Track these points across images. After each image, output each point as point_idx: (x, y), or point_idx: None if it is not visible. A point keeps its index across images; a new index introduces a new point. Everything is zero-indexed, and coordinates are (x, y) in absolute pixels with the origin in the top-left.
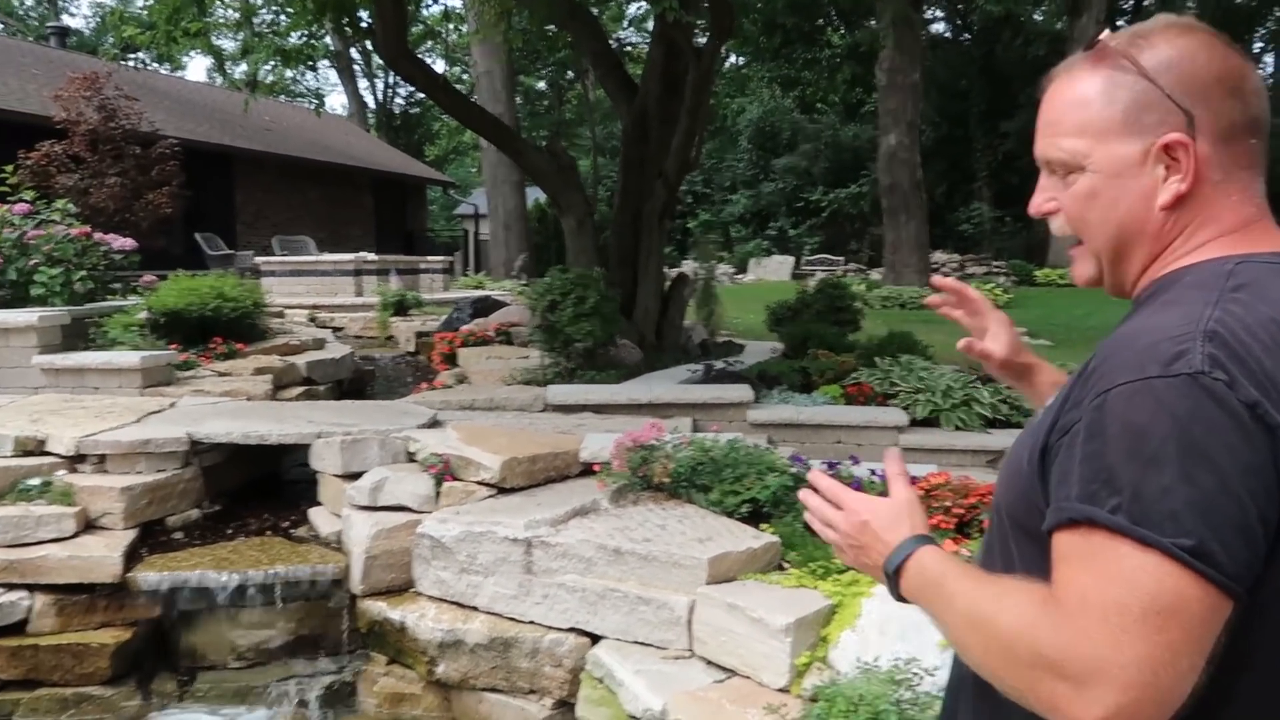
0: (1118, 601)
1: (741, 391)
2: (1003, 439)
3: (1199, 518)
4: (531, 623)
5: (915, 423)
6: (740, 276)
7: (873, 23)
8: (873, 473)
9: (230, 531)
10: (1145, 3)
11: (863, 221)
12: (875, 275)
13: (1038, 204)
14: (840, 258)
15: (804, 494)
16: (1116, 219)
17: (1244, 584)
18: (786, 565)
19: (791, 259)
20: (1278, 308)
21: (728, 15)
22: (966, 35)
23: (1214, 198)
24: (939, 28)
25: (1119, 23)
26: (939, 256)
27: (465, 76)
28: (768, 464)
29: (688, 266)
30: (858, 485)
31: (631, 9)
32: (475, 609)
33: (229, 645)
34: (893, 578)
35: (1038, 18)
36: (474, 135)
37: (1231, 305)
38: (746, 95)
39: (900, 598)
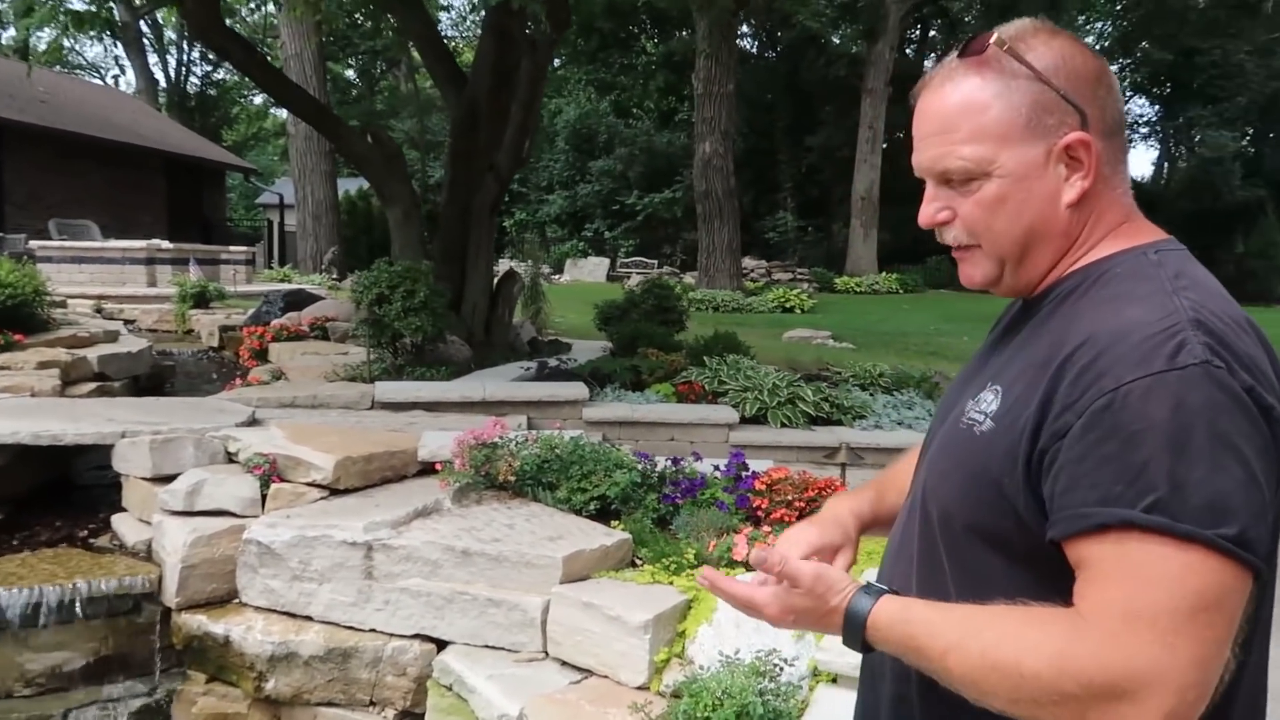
0: (1166, 606)
1: (576, 389)
2: (825, 436)
3: (1237, 506)
4: (373, 630)
5: (744, 420)
6: (557, 277)
7: (685, 33)
8: (716, 468)
9: (17, 543)
10: (930, 33)
11: (676, 226)
12: (689, 279)
13: (929, 215)
14: (654, 261)
15: (710, 583)
16: (1026, 221)
17: (1272, 566)
18: (639, 562)
19: (607, 261)
20: (1220, 294)
21: (564, 8)
22: (772, 52)
23: (1105, 192)
24: (746, 44)
25: (907, 50)
26: (748, 262)
27: (270, 59)
28: (615, 461)
29: (504, 265)
30: (701, 481)
31: None
32: (310, 619)
33: (18, 671)
34: (858, 629)
35: (836, 40)
36: (278, 120)
37: (1189, 293)
38: (564, 96)
39: (866, 647)
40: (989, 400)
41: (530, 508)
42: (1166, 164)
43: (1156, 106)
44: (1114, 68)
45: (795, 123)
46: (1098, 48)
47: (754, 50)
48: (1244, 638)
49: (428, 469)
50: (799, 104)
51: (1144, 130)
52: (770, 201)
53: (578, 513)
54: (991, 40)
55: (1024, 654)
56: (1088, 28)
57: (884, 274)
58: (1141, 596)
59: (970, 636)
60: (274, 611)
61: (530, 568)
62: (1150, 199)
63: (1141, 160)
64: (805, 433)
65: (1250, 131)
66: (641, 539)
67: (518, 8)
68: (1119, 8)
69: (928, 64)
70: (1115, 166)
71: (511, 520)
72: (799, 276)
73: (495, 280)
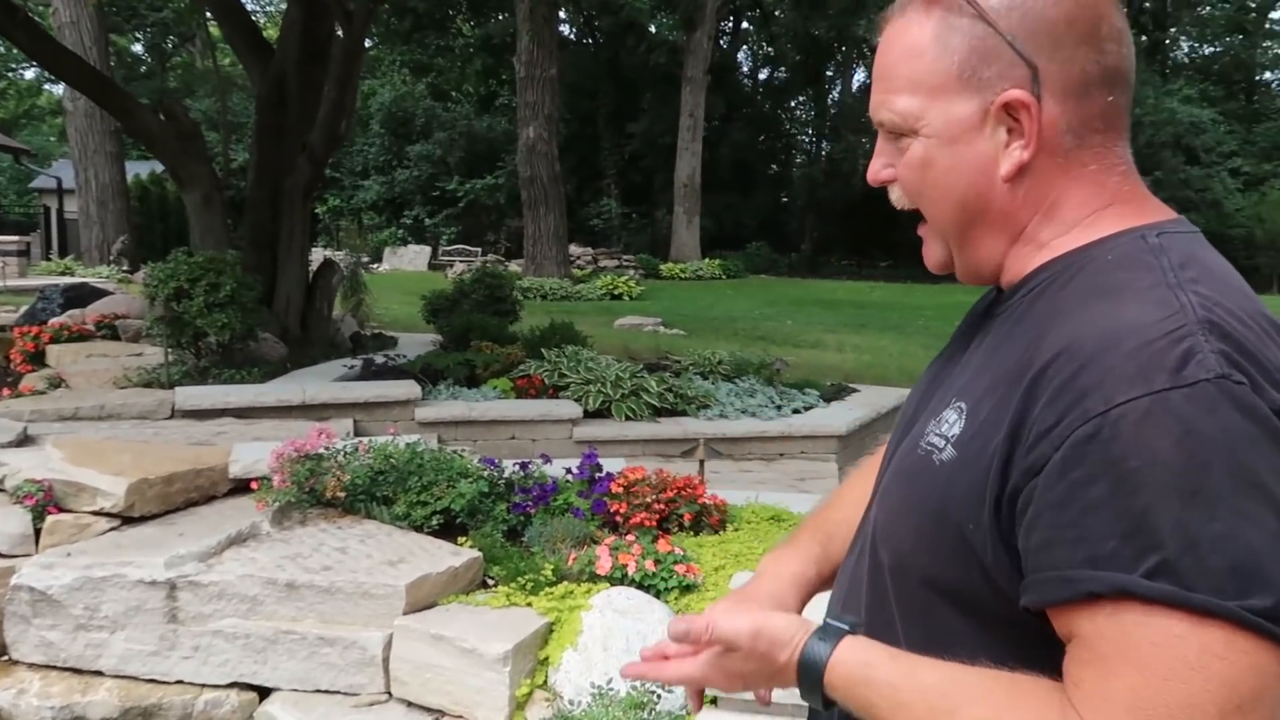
0: (1184, 702)
1: (408, 388)
2: (670, 427)
3: (1270, 568)
4: (180, 683)
5: (588, 414)
6: (376, 266)
7: (504, 16)
8: (568, 471)
9: None
10: (743, 24)
11: (500, 213)
12: (514, 267)
13: (875, 170)
14: (478, 249)
15: (637, 675)
16: (956, 192)
17: None
18: (491, 582)
19: (428, 249)
20: (1240, 287)
21: None
22: (591, 39)
23: (1067, 167)
24: (566, 30)
25: (721, 42)
26: (574, 249)
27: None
28: (459, 469)
29: (319, 254)
30: (554, 486)
31: None
32: (100, 674)
33: None
34: (816, 684)
35: (654, 29)
36: (53, 97)
37: (1199, 286)
38: (378, 78)
39: (827, 702)
40: (951, 420)
41: (364, 526)
42: None
43: None
44: None
45: (617, 109)
46: None
47: (574, 36)
48: None
49: (241, 487)
50: (621, 90)
51: None
52: (595, 188)
53: (419, 530)
54: None
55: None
56: None
57: (707, 260)
58: (1151, 690)
59: (943, 715)
60: (54, 668)
61: (368, 598)
62: None
63: None
64: (651, 425)
65: None
66: (493, 556)
67: None
68: None
69: (741, 54)
70: (1088, 135)
71: (344, 543)
72: (625, 263)
73: (312, 271)
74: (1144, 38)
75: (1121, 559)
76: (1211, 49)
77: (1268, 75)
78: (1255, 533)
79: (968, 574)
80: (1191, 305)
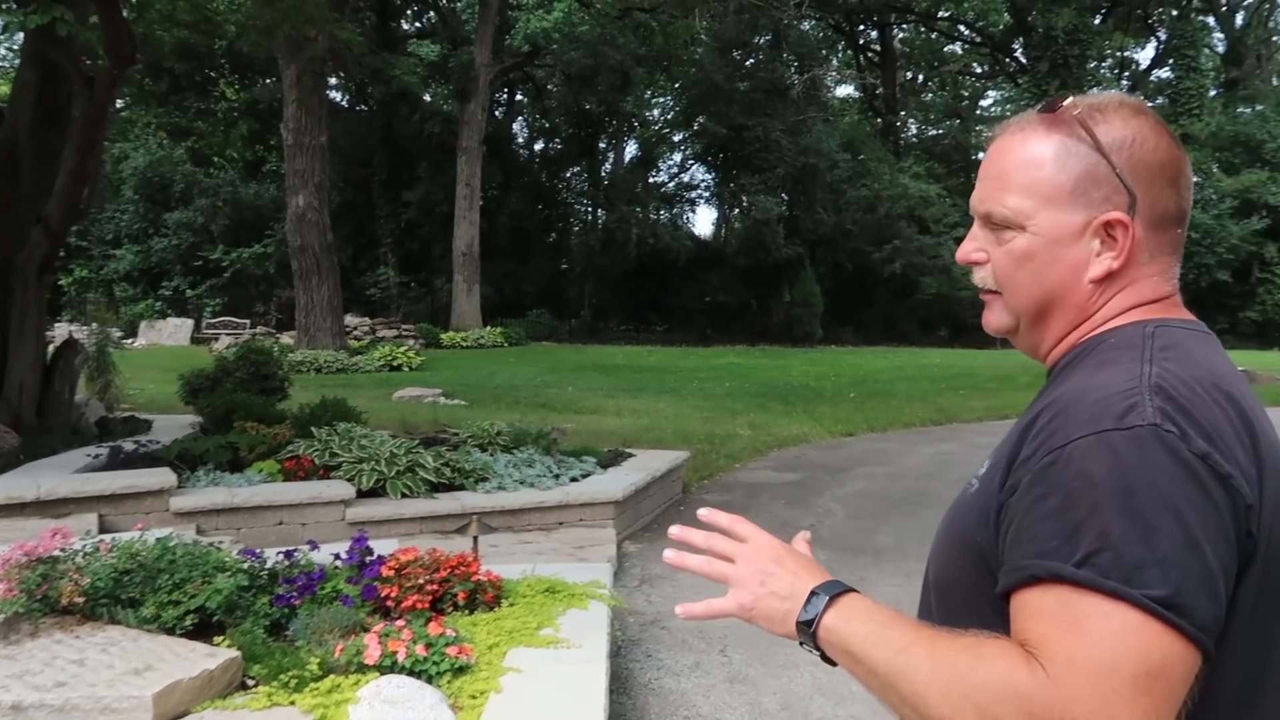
0: (1108, 664)
1: (161, 476)
2: (449, 503)
3: (1168, 570)
4: None
5: (361, 494)
6: (131, 341)
7: (270, 81)
8: (336, 556)
9: None
10: (518, 96)
11: (269, 283)
12: (286, 339)
13: (967, 252)
14: (246, 321)
15: (680, 533)
16: (1047, 283)
17: (1212, 637)
18: (252, 682)
19: (191, 322)
20: (1207, 367)
21: (128, 40)
22: (364, 106)
23: (1138, 277)
24: (337, 96)
25: (497, 113)
26: (351, 320)
27: None
28: (215, 563)
29: (63, 330)
30: (320, 574)
31: None
32: None
33: None
34: (814, 618)
35: (428, 98)
36: None
37: (1166, 363)
38: (130, 141)
39: (812, 640)
40: (985, 465)
41: (107, 633)
42: (724, 224)
43: (713, 173)
44: (676, 138)
45: (392, 177)
46: (663, 119)
47: (346, 103)
48: (1186, 714)
49: None
50: (395, 158)
51: (705, 194)
52: (371, 257)
53: (170, 632)
54: (1065, 103)
55: (977, 671)
56: (654, 102)
57: (489, 328)
58: (1087, 650)
59: (924, 643)
60: None
61: (109, 714)
62: (714, 255)
63: (704, 220)
64: (428, 501)
65: (786, 198)
66: (254, 654)
67: (66, 34)
68: (677, 86)
69: (516, 125)
70: (1156, 256)
71: (82, 654)
72: (405, 333)
73: (50, 351)
74: (879, 120)
75: (1061, 553)
76: (935, 131)
77: (980, 155)
78: (1163, 542)
79: (981, 579)
80: (1149, 374)
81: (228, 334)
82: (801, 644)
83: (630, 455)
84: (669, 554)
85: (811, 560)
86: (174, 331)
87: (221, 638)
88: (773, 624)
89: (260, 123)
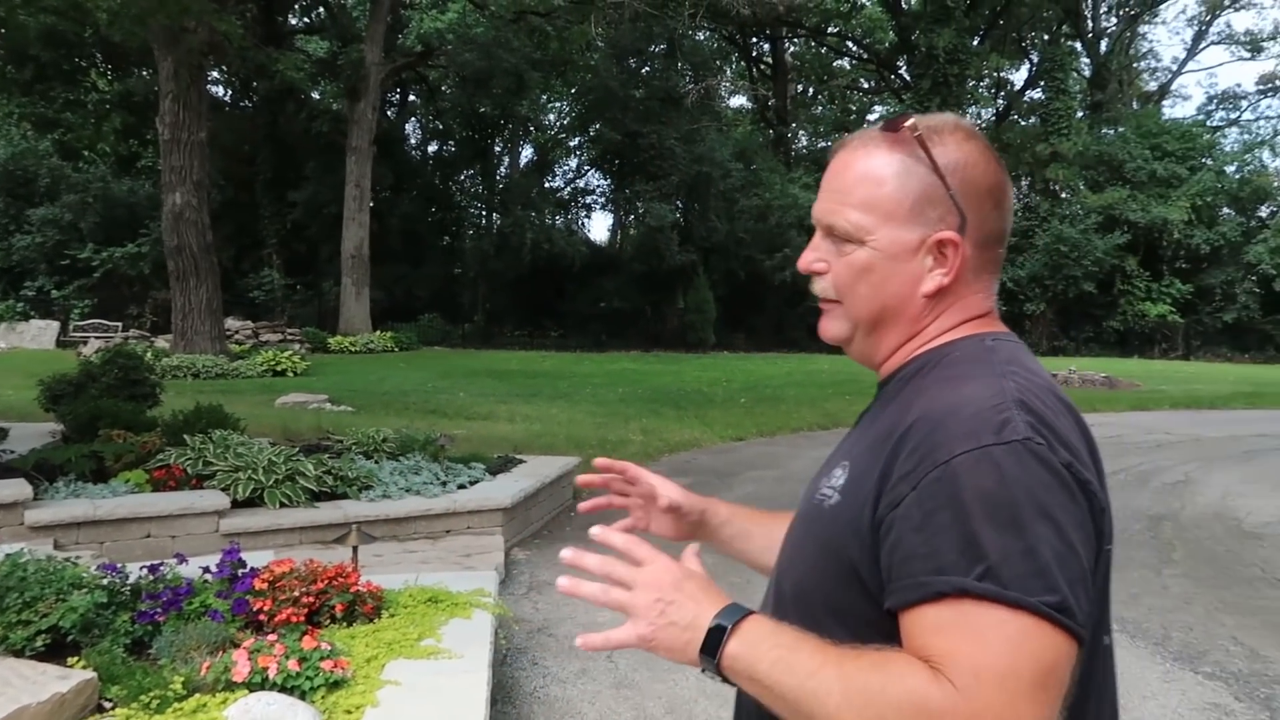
0: (1009, 669)
1: (15, 488)
2: (330, 512)
3: (1056, 575)
4: None
5: (237, 504)
6: None
7: (145, 72)
8: (206, 570)
9: None
10: (410, 97)
11: (144, 284)
12: (162, 343)
13: (809, 262)
14: (118, 323)
15: (573, 557)
16: (884, 296)
17: (1088, 631)
18: (110, 704)
19: (57, 324)
20: (1044, 378)
21: None
22: (248, 101)
23: (965, 294)
24: (219, 91)
25: (389, 112)
26: (232, 323)
27: None
28: (70, 579)
29: None
30: (188, 589)
31: None
32: None
33: None
34: (716, 641)
35: (317, 95)
36: None
37: (1016, 377)
38: None
39: (716, 669)
40: (838, 476)
41: None
42: (619, 230)
43: (609, 179)
44: (572, 143)
45: (277, 176)
46: (559, 124)
47: (227, 98)
48: (1071, 702)
49: None
50: (281, 157)
51: (601, 200)
52: (254, 258)
53: (19, 654)
54: (907, 124)
55: (888, 690)
56: (550, 107)
57: (379, 332)
58: (990, 659)
59: (831, 664)
60: None
61: None
62: (609, 261)
63: (599, 226)
64: (309, 511)
65: (680, 205)
66: (112, 674)
67: None
68: (573, 91)
69: (409, 126)
70: (979, 274)
71: None
72: (290, 337)
73: None
74: (771, 131)
75: (960, 567)
76: (825, 143)
77: None
78: (1047, 550)
79: (848, 591)
80: (1010, 390)
81: (97, 337)
82: (703, 670)
83: (521, 461)
84: (563, 582)
85: (709, 581)
86: (38, 334)
87: (76, 659)
88: (674, 654)
89: (135, 116)
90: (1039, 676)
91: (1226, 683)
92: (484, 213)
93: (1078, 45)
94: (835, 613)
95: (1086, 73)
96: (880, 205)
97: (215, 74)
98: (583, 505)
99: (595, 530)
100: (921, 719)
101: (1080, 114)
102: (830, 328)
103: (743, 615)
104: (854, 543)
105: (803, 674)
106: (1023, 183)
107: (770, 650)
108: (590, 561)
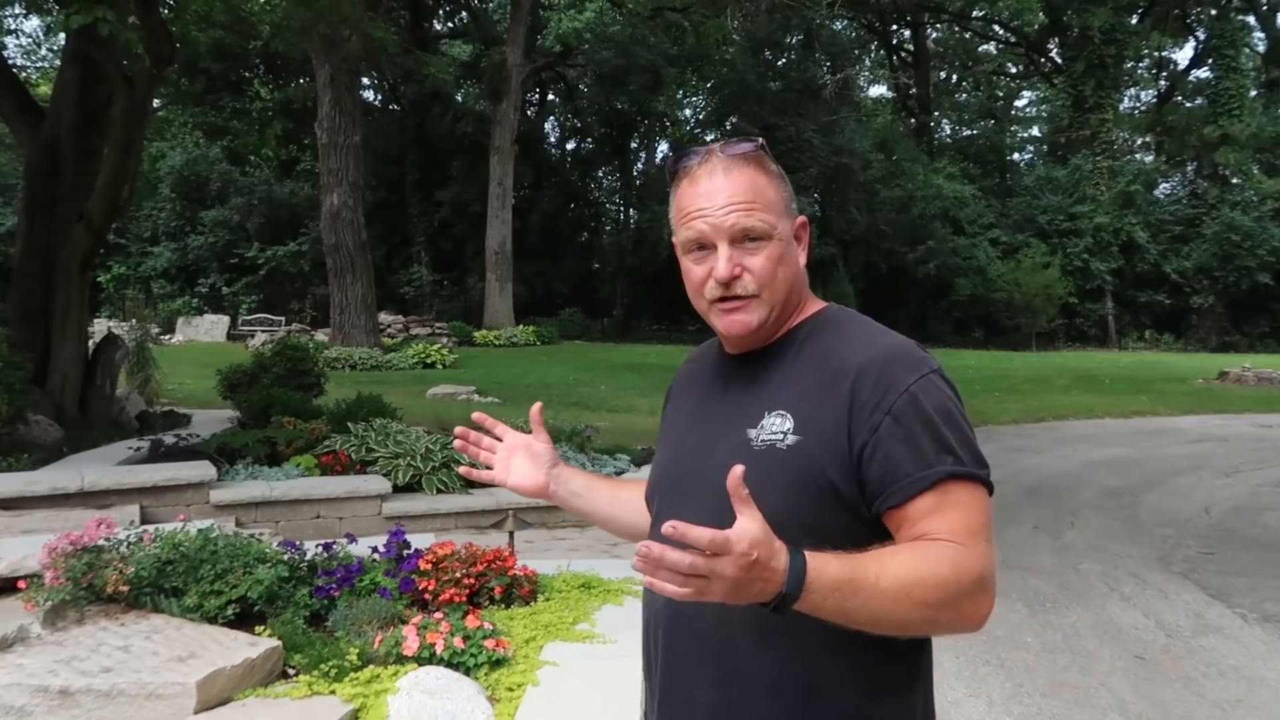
0: (982, 523)
1: (201, 469)
2: (484, 499)
3: (979, 454)
4: None
5: (397, 489)
6: (168, 338)
7: (304, 80)
8: (374, 549)
9: None
10: (550, 96)
11: (304, 281)
12: (321, 336)
13: (729, 270)
14: (281, 318)
15: (649, 552)
16: (790, 276)
17: None
18: (293, 671)
19: (227, 318)
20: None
21: (166, 39)
22: (396, 106)
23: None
24: (369, 95)
25: (529, 112)
26: (384, 318)
27: None
28: (256, 554)
29: (102, 326)
30: (359, 567)
31: (32, 23)
32: None
33: None
34: (791, 598)
35: (460, 98)
36: None
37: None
38: (167, 140)
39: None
40: (778, 423)
41: (151, 621)
42: None
43: None
44: (709, 137)
45: (425, 177)
46: (695, 119)
47: (379, 102)
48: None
49: (8, 587)
50: (428, 158)
51: None
52: (404, 255)
53: (213, 621)
54: (757, 145)
55: (933, 571)
56: (686, 102)
57: (521, 326)
58: (975, 520)
59: (886, 574)
60: None
61: (155, 700)
62: None
63: None
64: (463, 497)
65: (819, 198)
66: (294, 643)
67: (107, 35)
68: (709, 85)
69: (548, 124)
70: (805, 253)
71: (127, 641)
72: (438, 331)
73: (91, 346)
74: (913, 120)
75: (943, 460)
76: (969, 131)
77: (1016, 156)
78: (974, 438)
79: (827, 511)
80: (904, 337)
81: (263, 331)
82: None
83: None
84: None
85: (769, 547)
86: (210, 328)
87: (263, 627)
88: (750, 597)
89: (294, 122)
90: (989, 524)
91: None
92: (621, 208)
93: (1250, 19)
94: (811, 531)
95: (1261, 48)
96: (775, 205)
97: (365, 80)
98: (462, 469)
99: (667, 527)
100: (963, 575)
101: (1254, 93)
102: (750, 319)
103: (803, 575)
104: (832, 466)
105: (865, 595)
106: (1188, 168)
107: (831, 592)
108: (671, 556)
